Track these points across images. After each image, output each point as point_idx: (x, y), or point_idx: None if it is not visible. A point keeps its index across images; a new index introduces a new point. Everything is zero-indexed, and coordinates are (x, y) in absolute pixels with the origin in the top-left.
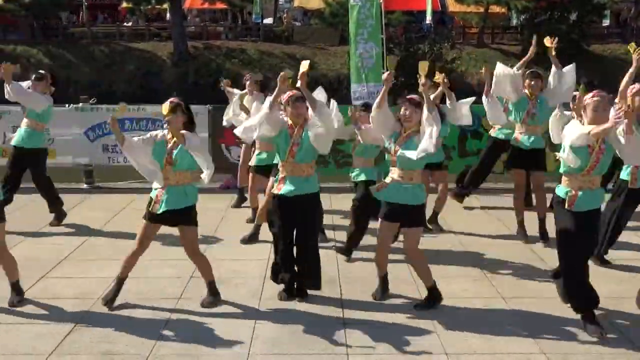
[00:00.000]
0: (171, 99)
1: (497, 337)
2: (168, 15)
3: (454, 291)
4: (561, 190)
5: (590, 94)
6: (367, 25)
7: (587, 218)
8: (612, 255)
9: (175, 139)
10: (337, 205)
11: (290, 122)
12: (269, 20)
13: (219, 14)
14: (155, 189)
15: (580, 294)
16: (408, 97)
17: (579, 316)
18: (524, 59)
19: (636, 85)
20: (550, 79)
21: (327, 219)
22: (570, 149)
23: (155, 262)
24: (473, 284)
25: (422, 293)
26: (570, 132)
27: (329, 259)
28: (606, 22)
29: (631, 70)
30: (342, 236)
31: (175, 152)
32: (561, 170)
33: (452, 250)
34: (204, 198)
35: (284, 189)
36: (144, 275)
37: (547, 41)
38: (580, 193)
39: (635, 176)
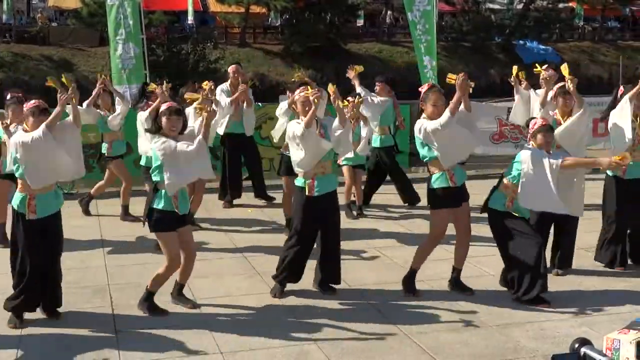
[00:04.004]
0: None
1: (273, 332)
2: None
3: (229, 289)
4: None
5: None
6: (125, 26)
7: None
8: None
9: None
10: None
11: None
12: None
13: None
14: None
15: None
16: None
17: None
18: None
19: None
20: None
21: None
22: None
23: None
24: (246, 281)
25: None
26: None
27: (98, 269)
28: (360, 22)
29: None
30: None
31: None
32: None
33: (224, 248)
34: None
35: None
36: None
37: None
38: None
39: None
